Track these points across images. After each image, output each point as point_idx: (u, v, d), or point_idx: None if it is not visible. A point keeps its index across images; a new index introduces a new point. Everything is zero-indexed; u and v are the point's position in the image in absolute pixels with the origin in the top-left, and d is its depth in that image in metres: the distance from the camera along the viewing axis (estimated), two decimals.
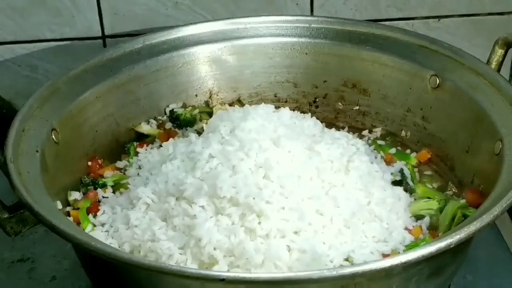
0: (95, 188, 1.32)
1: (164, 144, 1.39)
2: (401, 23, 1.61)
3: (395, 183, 1.33)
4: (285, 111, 1.37)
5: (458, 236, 1.02)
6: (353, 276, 0.99)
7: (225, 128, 1.28)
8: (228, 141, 1.24)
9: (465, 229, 1.03)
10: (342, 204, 1.19)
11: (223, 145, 1.24)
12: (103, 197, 1.31)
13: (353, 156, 1.28)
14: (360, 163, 1.27)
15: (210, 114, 1.49)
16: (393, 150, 1.43)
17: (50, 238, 1.36)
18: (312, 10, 1.60)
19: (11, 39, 1.59)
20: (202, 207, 1.17)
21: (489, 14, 1.64)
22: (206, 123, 1.45)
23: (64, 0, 1.56)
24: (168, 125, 1.47)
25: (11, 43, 1.59)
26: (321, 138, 1.32)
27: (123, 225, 1.21)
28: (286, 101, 1.54)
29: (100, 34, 1.60)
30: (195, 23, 1.52)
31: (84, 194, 1.30)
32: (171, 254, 1.13)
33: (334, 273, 0.97)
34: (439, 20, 1.64)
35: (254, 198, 1.15)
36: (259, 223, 1.14)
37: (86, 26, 1.59)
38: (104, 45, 1.61)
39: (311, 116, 1.46)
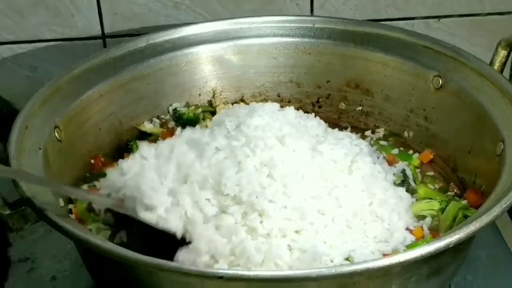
0: None
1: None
2: (401, 23, 1.61)
3: (397, 184, 1.33)
4: (290, 110, 1.37)
5: (457, 236, 1.02)
6: (352, 274, 0.99)
7: (231, 123, 1.28)
8: (234, 136, 1.24)
9: (465, 229, 1.03)
10: (344, 204, 1.19)
11: (229, 139, 1.24)
12: None
13: (357, 157, 1.28)
14: (363, 164, 1.27)
15: (213, 114, 1.49)
16: (395, 151, 1.43)
17: (50, 238, 1.37)
18: (312, 10, 1.61)
19: (11, 39, 1.59)
20: (208, 200, 1.17)
21: (489, 14, 1.64)
22: (209, 122, 1.45)
23: (64, 0, 1.56)
24: (171, 124, 1.47)
25: (11, 43, 1.60)
26: (325, 138, 1.32)
27: None
28: (289, 101, 1.54)
29: (100, 34, 1.61)
30: (199, 22, 1.53)
31: None
32: None
33: (332, 271, 0.98)
34: (439, 20, 1.64)
35: (257, 197, 1.15)
36: (261, 222, 1.14)
37: (86, 26, 1.59)
38: (104, 45, 1.61)
39: (315, 116, 1.46)
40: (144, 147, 1.29)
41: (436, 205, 1.28)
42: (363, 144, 1.37)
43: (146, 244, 1.16)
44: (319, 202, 1.18)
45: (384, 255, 1.16)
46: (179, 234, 1.15)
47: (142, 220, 1.16)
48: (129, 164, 1.25)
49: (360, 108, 1.52)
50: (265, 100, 1.54)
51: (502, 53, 1.36)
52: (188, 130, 1.34)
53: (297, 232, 1.14)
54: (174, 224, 1.15)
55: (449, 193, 1.34)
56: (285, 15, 1.56)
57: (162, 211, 1.16)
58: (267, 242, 1.12)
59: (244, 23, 1.51)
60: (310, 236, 1.14)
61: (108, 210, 1.23)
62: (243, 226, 1.14)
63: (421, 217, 1.27)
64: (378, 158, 1.38)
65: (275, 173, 1.19)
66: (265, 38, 1.52)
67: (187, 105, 1.50)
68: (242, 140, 1.23)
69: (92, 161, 1.37)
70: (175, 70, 1.48)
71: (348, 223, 1.18)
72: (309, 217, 1.15)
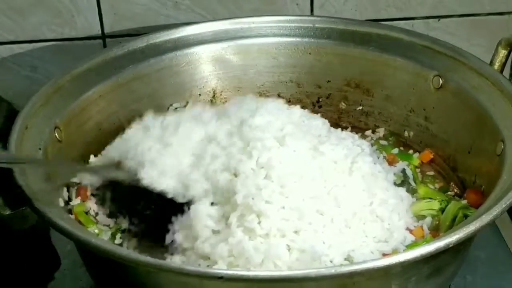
0: None
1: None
2: (401, 23, 1.61)
3: (397, 183, 1.33)
4: (296, 110, 1.36)
5: (457, 236, 1.02)
6: (351, 274, 0.99)
7: (236, 119, 1.28)
8: (235, 135, 1.25)
9: (464, 229, 1.03)
10: (343, 204, 1.19)
11: (230, 138, 1.24)
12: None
13: (357, 157, 1.28)
14: (364, 164, 1.26)
15: None
16: (395, 151, 1.43)
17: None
18: (312, 10, 1.61)
19: (11, 39, 1.59)
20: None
21: (489, 14, 1.64)
22: None
23: (64, 0, 1.56)
24: None
25: (11, 43, 1.60)
26: (327, 139, 1.31)
27: None
28: (289, 101, 1.53)
29: (100, 34, 1.61)
30: (199, 22, 1.52)
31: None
32: None
33: (332, 271, 0.98)
34: (439, 20, 1.64)
35: (253, 198, 1.15)
36: (259, 222, 1.14)
37: (86, 26, 1.59)
38: (104, 45, 1.61)
39: None
40: (149, 117, 1.31)
41: (436, 205, 1.28)
42: (365, 144, 1.36)
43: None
44: (317, 202, 1.18)
45: (384, 255, 1.16)
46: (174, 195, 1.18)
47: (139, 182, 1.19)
48: (132, 132, 1.27)
49: (360, 108, 1.52)
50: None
51: (502, 52, 1.36)
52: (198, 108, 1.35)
53: (296, 232, 1.14)
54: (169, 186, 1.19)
55: (449, 193, 1.34)
56: (285, 15, 1.56)
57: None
58: (266, 242, 1.12)
59: (244, 23, 1.51)
60: (309, 236, 1.14)
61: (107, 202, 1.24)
62: (239, 227, 1.14)
63: (421, 217, 1.26)
64: (378, 158, 1.38)
65: (272, 174, 1.18)
66: (265, 38, 1.52)
67: (187, 105, 1.50)
68: (240, 143, 1.23)
69: None
70: (175, 70, 1.48)
71: (347, 223, 1.18)
72: (307, 217, 1.15)
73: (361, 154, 1.29)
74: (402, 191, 1.29)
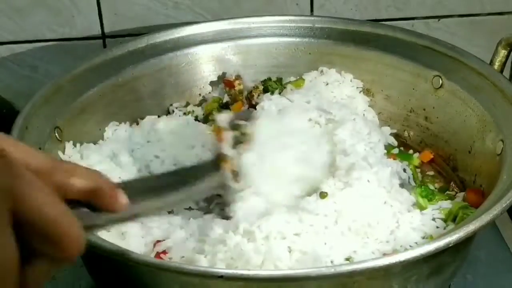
0: None
1: None
2: (401, 23, 1.61)
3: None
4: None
5: (457, 235, 1.02)
6: (351, 274, 0.99)
7: None
8: None
9: (464, 228, 1.03)
10: (345, 206, 1.18)
11: None
12: None
13: (362, 159, 1.27)
14: (368, 166, 1.26)
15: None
16: (395, 151, 1.42)
17: None
18: (312, 10, 1.61)
19: (11, 39, 1.60)
20: None
21: (489, 14, 1.64)
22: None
23: (64, 0, 1.56)
24: None
25: (11, 43, 1.60)
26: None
27: None
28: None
29: (100, 34, 1.61)
30: (199, 22, 1.53)
31: None
32: None
33: (332, 270, 0.97)
34: (439, 20, 1.64)
35: None
36: (258, 226, 1.13)
37: (86, 26, 1.59)
38: (104, 45, 1.61)
39: None
40: None
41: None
42: (379, 147, 1.36)
43: None
44: (319, 204, 1.17)
45: (384, 254, 1.16)
46: None
47: None
48: None
49: None
50: None
51: (502, 52, 1.36)
52: None
53: (296, 234, 1.13)
54: None
55: (449, 192, 1.34)
56: (285, 15, 1.56)
57: None
58: (266, 244, 1.11)
59: (244, 23, 1.51)
60: (310, 238, 1.13)
61: None
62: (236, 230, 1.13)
63: None
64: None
65: None
66: (265, 38, 1.52)
67: (187, 105, 1.50)
68: None
69: None
70: (175, 70, 1.48)
71: (349, 224, 1.17)
72: (308, 220, 1.14)
73: (367, 156, 1.29)
74: (403, 191, 1.29)
